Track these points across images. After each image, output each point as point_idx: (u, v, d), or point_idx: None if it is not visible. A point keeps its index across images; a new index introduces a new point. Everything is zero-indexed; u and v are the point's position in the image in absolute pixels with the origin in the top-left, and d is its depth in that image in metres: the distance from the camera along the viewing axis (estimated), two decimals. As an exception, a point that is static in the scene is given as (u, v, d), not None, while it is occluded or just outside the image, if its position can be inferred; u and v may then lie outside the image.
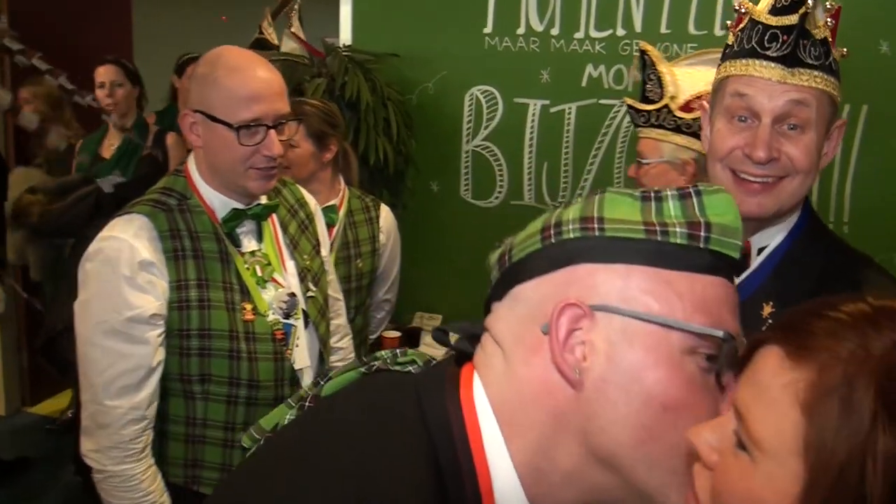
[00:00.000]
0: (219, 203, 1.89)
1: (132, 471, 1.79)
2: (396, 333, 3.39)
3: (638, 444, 0.82)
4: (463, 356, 0.94)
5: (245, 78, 1.80)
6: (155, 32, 6.34)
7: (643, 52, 2.19)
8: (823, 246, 1.52)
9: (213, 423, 1.86)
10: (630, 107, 2.24)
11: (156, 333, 1.77)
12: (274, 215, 2.02)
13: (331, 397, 0.95)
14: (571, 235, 0.86)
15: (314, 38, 3.89)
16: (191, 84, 1.87)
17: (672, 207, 0.87)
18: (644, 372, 0.81)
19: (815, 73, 1.42)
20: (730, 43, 1.52)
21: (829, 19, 1.46)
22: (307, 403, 0.98)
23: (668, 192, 0.89)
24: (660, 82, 2.14)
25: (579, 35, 3.47)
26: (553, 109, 3.57)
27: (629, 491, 0.85)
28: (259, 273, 1.93)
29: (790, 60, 1.41)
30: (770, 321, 1.43)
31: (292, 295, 1.98)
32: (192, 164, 1.92)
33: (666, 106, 2.11)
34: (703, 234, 0.84)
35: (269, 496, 0.82)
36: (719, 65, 1.55)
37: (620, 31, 3.39)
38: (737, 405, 0.78)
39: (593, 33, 3.44)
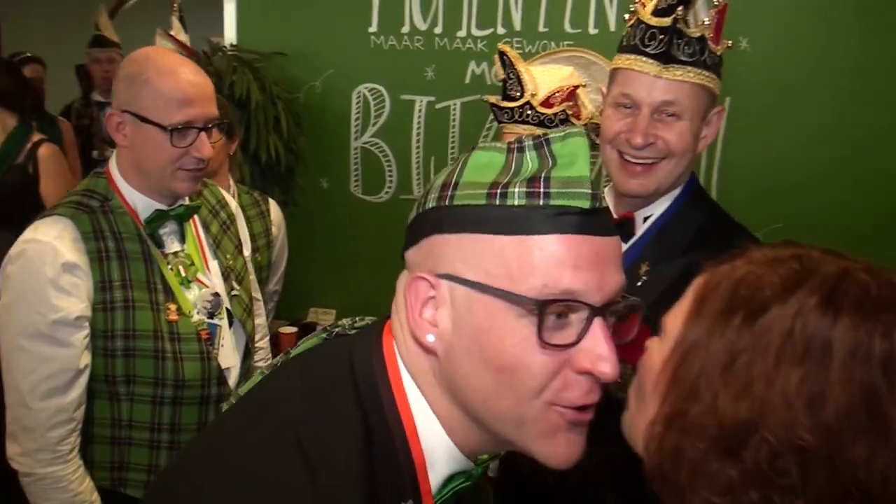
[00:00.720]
0: (141, 204, 1.88)
1: (61, 472, 1.77)
2: (293, 329, 3.42)
3: (482, 401, 0.88)
4: None
5: (178, 81, 1.80)
6: (24, 34, 6.10)
7: (502, 54, 2.31)
8: (704, 210, 1.71)
9: (138, 425, 1.85)
10: (493, 105, 2.34)
11: (81, 336, 1.75)
12: (196, 216, 2.03)
13: (288, 361, 1.01)
14: (430, 206, 0.92)
15: (197, 37, 3.86)
16: (116, 84, 1.85)
17: (530, 159, 0.89)
18: (481, 337, 0.86)
19: (689, 68, 1.60)
20: (624, 35, 1.69)
21: (713, 15, 1.63)
22: None
23: (527, 143, 0.91)
24: (519, 81, 2.26)
25: (462, 33, 3.59)
26: (439, 106, 3.68)
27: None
28: (183, 273, 1.93)
29: (665, 58, 1.60)
30: (645, 279, 1.60)
31: (216, 295, 1.99)
32: (113, 165, 1.90)
33: (528, 102, 2.23)
34: (541, 190, 0.85)
35: (215, 449, 0.90)
36: (616, 55, 1.71)
37: (501, 30, 3.54)
38: None
39: (475, 32, 3.57)
